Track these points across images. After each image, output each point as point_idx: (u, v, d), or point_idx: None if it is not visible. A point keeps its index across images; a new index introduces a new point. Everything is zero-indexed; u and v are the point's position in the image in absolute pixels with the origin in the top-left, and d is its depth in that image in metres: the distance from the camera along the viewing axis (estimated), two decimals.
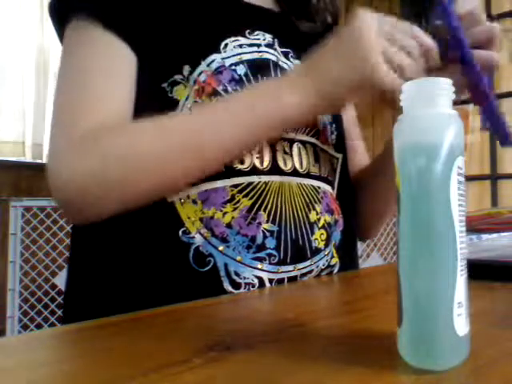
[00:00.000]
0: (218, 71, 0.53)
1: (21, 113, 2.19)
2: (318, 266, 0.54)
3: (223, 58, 0.53)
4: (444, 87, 0.24)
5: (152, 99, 0.53)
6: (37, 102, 2.24)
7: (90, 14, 0.51)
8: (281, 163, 0.54)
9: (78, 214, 0.50)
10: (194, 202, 0.50)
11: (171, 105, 0.52)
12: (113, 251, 0.53)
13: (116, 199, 0.47)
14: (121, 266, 0.52)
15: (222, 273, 0.49)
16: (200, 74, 0.52)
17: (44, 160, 2.28)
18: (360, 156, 0.74)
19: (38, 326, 1.65)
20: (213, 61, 0.53)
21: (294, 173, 0.55)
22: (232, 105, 0.49)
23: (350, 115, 0.74)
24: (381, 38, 0.46)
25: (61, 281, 1.76)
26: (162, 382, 0.23)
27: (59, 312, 1.72)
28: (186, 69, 0.52)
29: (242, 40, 0.56)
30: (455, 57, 0.48)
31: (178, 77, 0.52)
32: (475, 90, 0.49)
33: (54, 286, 1.75)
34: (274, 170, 0.53)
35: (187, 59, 0.53)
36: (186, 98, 0.52)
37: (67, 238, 1.77)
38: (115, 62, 0.52)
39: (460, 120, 0.24)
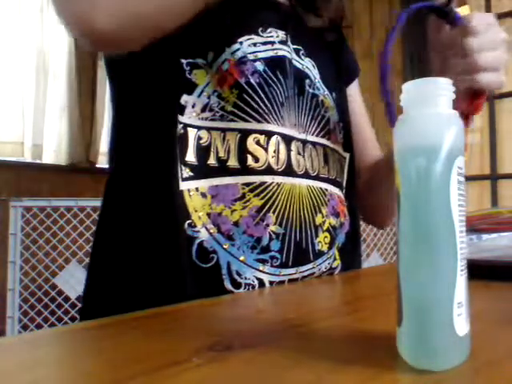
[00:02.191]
0: (242, 61, 0.51)
1: (20, 113, 2.19)
2: (320, 269, 0.54)
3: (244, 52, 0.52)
4: (444, 87, 0.24)
5: (167, 74, 0.51)
6: (36, 102, 2.24)
7: None
8: (294, 164, 0.54)
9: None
10: (203, 195, 0.49)
11: (188, 87, 0.50)
12: (119, 242, 0.52)
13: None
14: (124, 257, 0.51)
15: (224, 271, 0.48)
16: (224, 61, 0.51)
17: (43, 160, 2.27)
18: (372, 148, 0.73)
19: (38, 326, 1.65)
20: (237, 49, 0.52)
21: (305, 175, 0.55)
22: None
23: (358, 103, 0.73)
24: None
25: (61, 281, 1.76)
26: (162, 382, 0.23)
27: (59, 312, 1.72)
28: (210, 55, 0.51)
29: (256, 38, 0.54)
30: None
31: (200, 61, 0.51)
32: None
33: (54, 286, 1.74)
34: (288, 170, 0.53)
35: (212, 46, 0.51)
36: (206, 85, 0.50)
37: (67, 238, 1.77)
38: None
39: (460, 120, 0.24)
